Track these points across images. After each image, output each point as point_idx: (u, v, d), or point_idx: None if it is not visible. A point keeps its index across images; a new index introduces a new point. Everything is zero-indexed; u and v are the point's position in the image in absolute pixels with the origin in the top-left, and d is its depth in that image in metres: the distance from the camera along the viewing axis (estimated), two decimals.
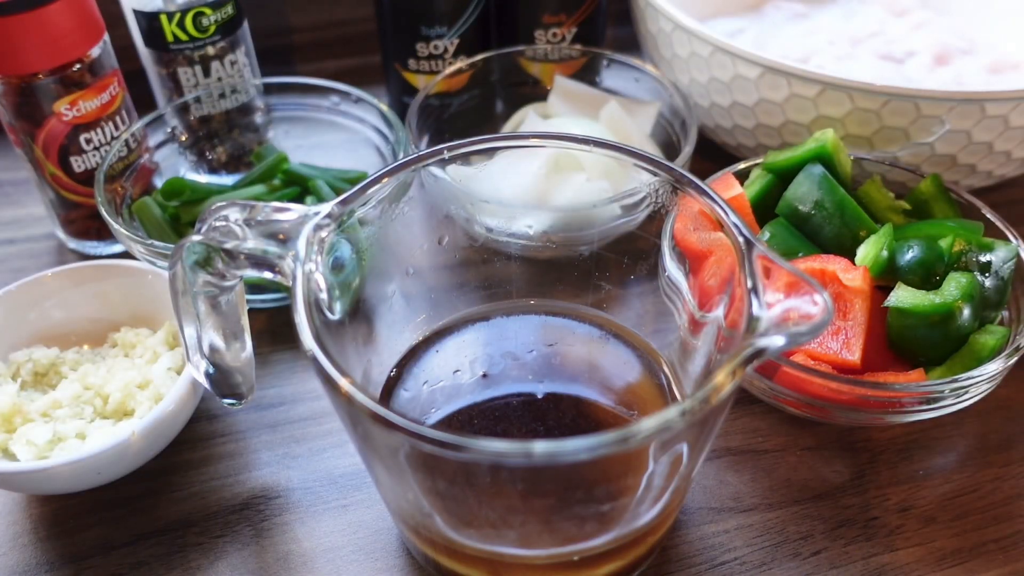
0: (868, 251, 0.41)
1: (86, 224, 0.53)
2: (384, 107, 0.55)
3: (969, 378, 0.37)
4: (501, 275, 0.42)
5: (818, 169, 0.44)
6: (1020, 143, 0.49)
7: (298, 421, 0.44)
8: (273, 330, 0.48)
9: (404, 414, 0.25)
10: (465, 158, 0.36)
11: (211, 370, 0.36)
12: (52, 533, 0.39)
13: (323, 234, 0.31)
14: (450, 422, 0.36)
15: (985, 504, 0.40)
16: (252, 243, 0.31)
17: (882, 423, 0.42)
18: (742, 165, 0.48)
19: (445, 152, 0.35)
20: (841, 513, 0.40)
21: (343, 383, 0.26)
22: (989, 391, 0.39)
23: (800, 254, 0.42)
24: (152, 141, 0.55)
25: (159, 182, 0.55)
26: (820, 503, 0.40)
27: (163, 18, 0.51)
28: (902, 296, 0.39)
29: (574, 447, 0.25)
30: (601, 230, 0.42)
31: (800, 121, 0.51)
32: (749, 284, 0.28)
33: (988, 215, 0.45)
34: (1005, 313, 0.42)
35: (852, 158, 0.47)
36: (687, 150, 0.50)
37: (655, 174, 0.35)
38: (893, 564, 0.38)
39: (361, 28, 0.72)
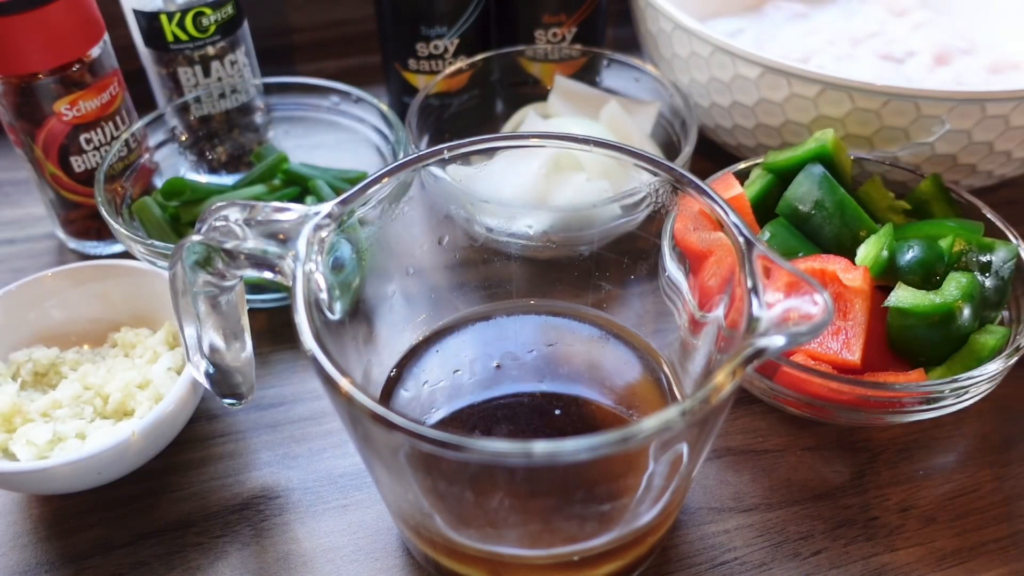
0: (868, 251, 0.41)
1: (86, 224, 0.53)
2: (384, 107, 0.55)
3: (969, 378, 0.37)
4: (501, 275, 0.42)
5: (818, 169, 0.44)
6: (1020, 143, 0.49)
7: (298, 421, 0.44)
8: (273, 330, 0.48)
9: (404, 414, 0.25)
10: (465, 158, 0.36)
11: (211, 370, 0.36)
12: (52, 533, 0.39)
13: (323, 234, 0.31)
14: (450, 422, 0.36)
15: (985, 504, 0.40)
16: (252, 243, 0.31)
17: (882, 423, 0.42)
18: (742, 165, 0.48)
19: (445, 152, 0.35)
20: (841, 513, 0.40)
21: (343, 383, 0.26)
22: (989, 391, 0.39)
23: (800, 254, 0.42)
24: (152, 141, 0.55)
25: (159, 182, 0.55)
26: (820, 503, 0.40)
27: (163, 18, 0.51)
28: (902, 296, 0.39)
29: (574, 447, 0.25)
30: (601, 230, 0.42)
31: (800, 121, 0.51)
32: (749, 284, 0.28)
33: (988, 215, 0.45)
34: (1005, 313, 0.42)
35: (852, 158, 0.47)
36: (687, 150, 0.50)
37: (655, 174, 0.35)
38: (893, 564, 0.38)
39: (361, 28, 0.72)
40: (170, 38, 0.52)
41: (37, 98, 0.47)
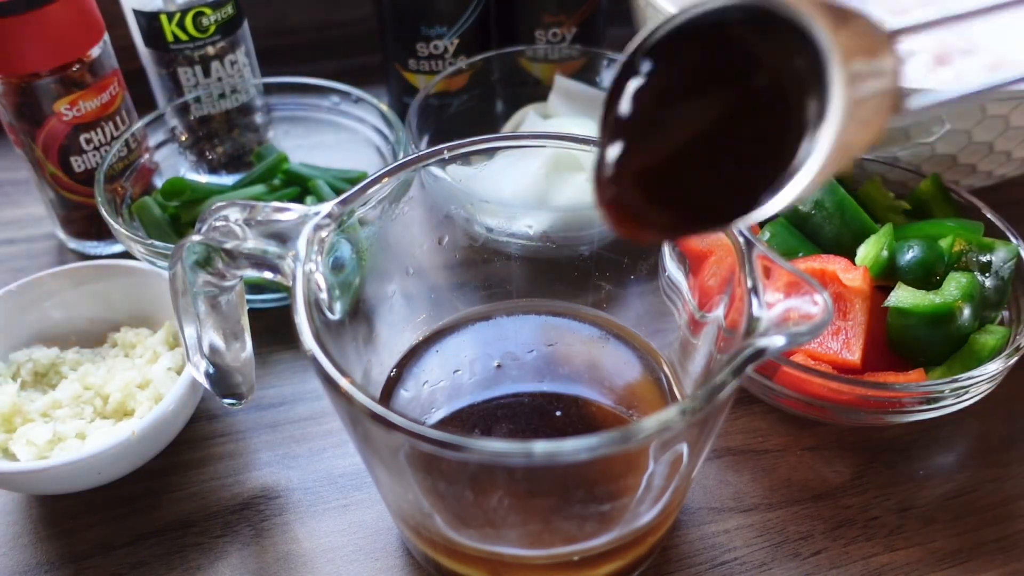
0: (868, 251, 0.41)
1: (86, 224, 0.53)
2: (384, 107, 0.55)
3: (969, 378, 0.37)
4: (501, 275, 0.42)
5: None
6: (1020, 143, 0.49)
7: (298, 421, 0.44)
8: (273, 330, 0.48)
9: (404, 414, 0.25)
10: (465, 158, 0.36)
11: (211, 370, 0.36)
12: (52, 533, 0.39)
13: (323, 234, 0.31)
14: (450, 422, 0.36)
15: (985, 504, 0.40)
16: (252, 243, 0.31)
17: (882, 423, 0.42)
18: None
19: (445, 152, 0.35)
20: (841, 513, 0.40)
21: (343, 383, 0.26)
22: (989, 391, 0.39)
23: (800, 254, 0.42)
24: (152, 141, 0.55)
25: (159, 182, 0.55)
26: (820, 503, 0.40)
27: (163, 18, 0.51)
28: (902, 296, 0.39)
29: (574, 447, 0.24)
30: (601, 230, 0.42)
31: None
32: (749, 284, 0.28)
33: (988, 215, 0.45)
34: (1005, 313, 0.42)
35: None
36: None
37: None
38: (893, 564, 0.38)
39: (361, 28, 0.72)
40: (170, 38, 0.52)
41: (37, 98, 0.47)
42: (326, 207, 0.32)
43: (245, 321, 0.36)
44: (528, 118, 0.56)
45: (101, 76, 0.48)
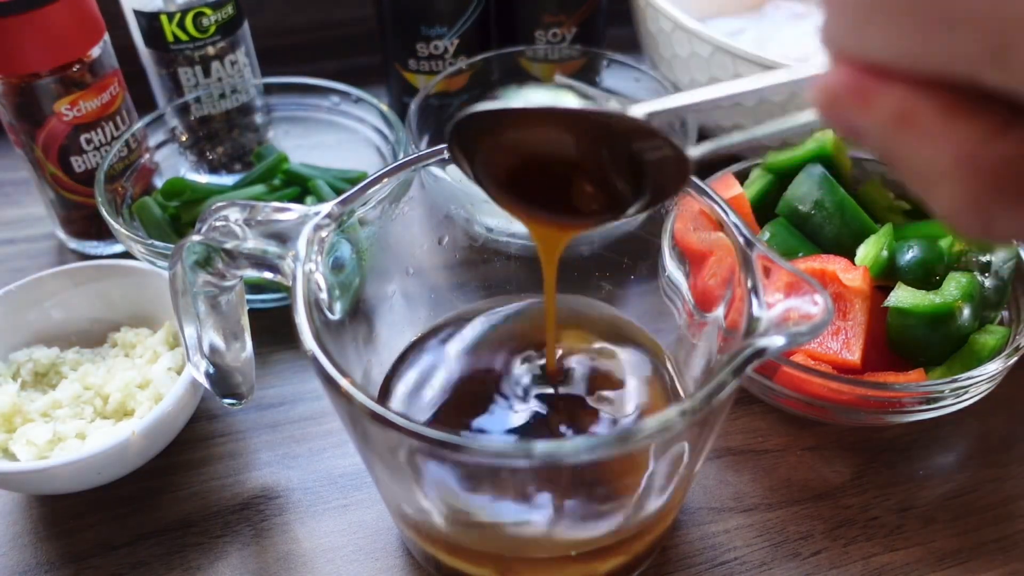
0: (868, 251, 0.41)
1: (86, 224, 0.53)
2: (384, 107, 0.55)
3: (969, 378, 0.37)
4: (501, 275, 0.42)
5: (818, 169, 0.44)
6: None
7: (298, 421, 0.44)
8: (273, 330, 0.48)
9: (404, 414, 0.25)
10: None
11: (211, 370, 0.36)
12: (52, 533, 0.39)
13: (323, 234, 0.31)
14: (450, 421, 0.36)
15: (985, 504, 0.40)
16: (252, 243, 0.31)
17: (882, 423, 0.42)
18: (742, 165, 0.48)
19: (445, 152, 0.35)
20: (841, 513, 0.40)
21: (343, 383, 0.26)
22: (989, 391, 0.39)
23: (800, 254, 0.42)
24: (152, 141, 0.55)
25: (159, 182, 0.55)
26: (820, 503, 0.40)
27: (163, 18, 0.51)
28: (902, 296, 0.39)
29: (574, 447, 0.25)
30: (601, 230, 0.42)
31: None
32: (749, 284, 0.28)
33: None
34: (1005, 313, 0.42)
35: (852, 158, 0.47)
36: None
37: None
38: (893, 564, 0.38)
39: (361, 28, 0.72)
40: (170, 38, 0.52)
41: (37, 98, 0.47)
42: (326, 207, 0.32)
43: (245, 321, 0.36)
44: None
45: (101, 76, 0.49)
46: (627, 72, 0.58)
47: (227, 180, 0.56)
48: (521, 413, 0.37)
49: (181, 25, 0.52)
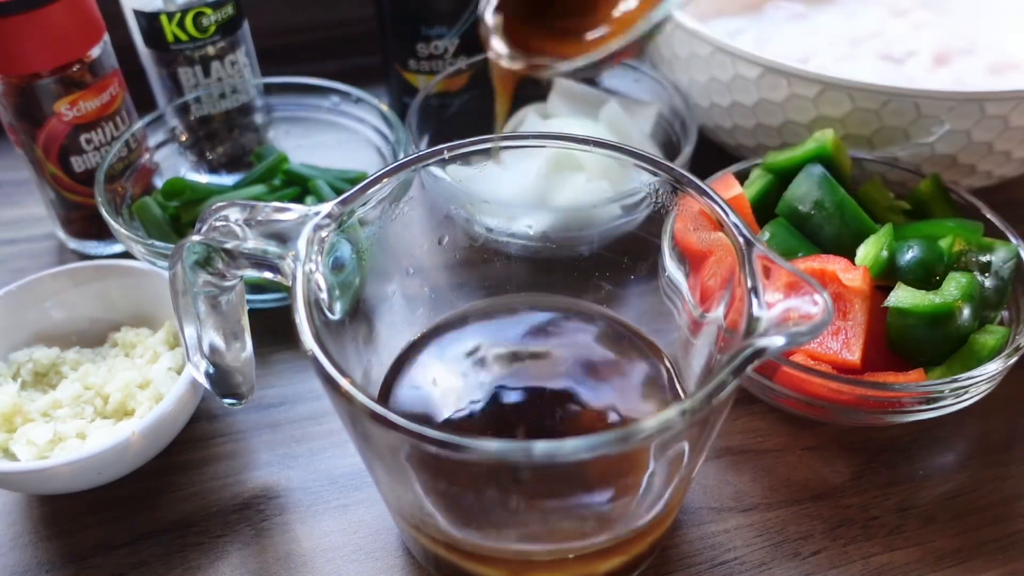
0: (868, 251, 0.41)
1: (86, 224, 0.53)
2: (384, 107, 0.55)
3: (969, 378, 0.37)
4: (501, 275, 0.42)
5: (818, 169, 0.44)
6: (1020, 143, 0.49)
7: (298, 421, 0.44)
8: (273, 330, 0.48)
9: (404, 414, 0.25)
10: (465, 158, 0.36)
11: (211, 370, 0.36)
12: (52, 533, 0.39)
13: (323, 234, 0.31)
14: (450, 421, 0.36)
15: (985, 504, 0.40)
16: (252, 243, 0.31)
17: (882, 423, 0.42)
18: (742, 165, 0.48)
19: (445, 152, 0.35)
20: (841, 513, 0.40)
21: (343, 383, 0.26)
22: (989, 391, 0.39)
23: (800, 254, 0.42)
24: (152, 141, 0.55)
25: (159, 182, 0.55)
26: (820, 503, 0.40)
27: (163, 18, 0.51)
28: (902, 296, 0.39)
29: (574, 447, 0.25)
30: (601, 230, 0.42)
31: (800, 121, 0.51)
32: (749, 284, 0.28)
33: (988, 215, 0.45)
34: (1005, 313, 0.42)
35: (852, 158, 0.47)
36: (687, 150, 0.50)
37: (655, 174, 0.35)
38: (893, 564, 0.38)
39: (361, 28, 0.72)
40: (170, 38, 0.52)
41: (37, 98, 0.47)
42: (326, 207, 0.32)
43: (245, 321, 0.36)
44: (528, 118, 0.56)
45: (101, 76, 0.49)
46: (627, 72, 0.58)
47: (227, 180, 0.56)
48: (521, 413, 0.37)
49: (181, 25, 0.52)
